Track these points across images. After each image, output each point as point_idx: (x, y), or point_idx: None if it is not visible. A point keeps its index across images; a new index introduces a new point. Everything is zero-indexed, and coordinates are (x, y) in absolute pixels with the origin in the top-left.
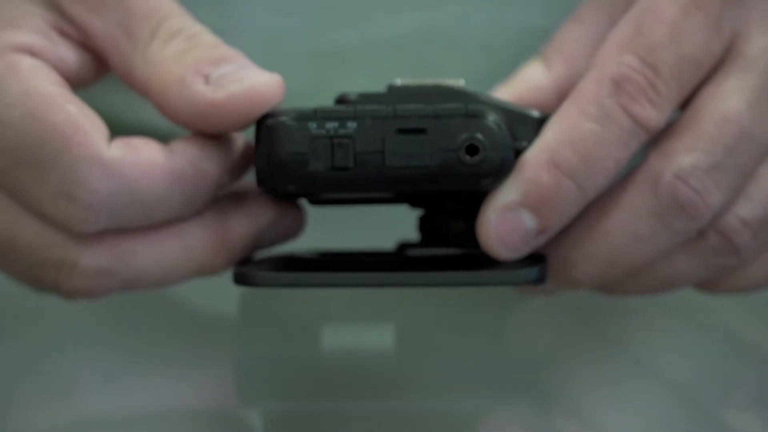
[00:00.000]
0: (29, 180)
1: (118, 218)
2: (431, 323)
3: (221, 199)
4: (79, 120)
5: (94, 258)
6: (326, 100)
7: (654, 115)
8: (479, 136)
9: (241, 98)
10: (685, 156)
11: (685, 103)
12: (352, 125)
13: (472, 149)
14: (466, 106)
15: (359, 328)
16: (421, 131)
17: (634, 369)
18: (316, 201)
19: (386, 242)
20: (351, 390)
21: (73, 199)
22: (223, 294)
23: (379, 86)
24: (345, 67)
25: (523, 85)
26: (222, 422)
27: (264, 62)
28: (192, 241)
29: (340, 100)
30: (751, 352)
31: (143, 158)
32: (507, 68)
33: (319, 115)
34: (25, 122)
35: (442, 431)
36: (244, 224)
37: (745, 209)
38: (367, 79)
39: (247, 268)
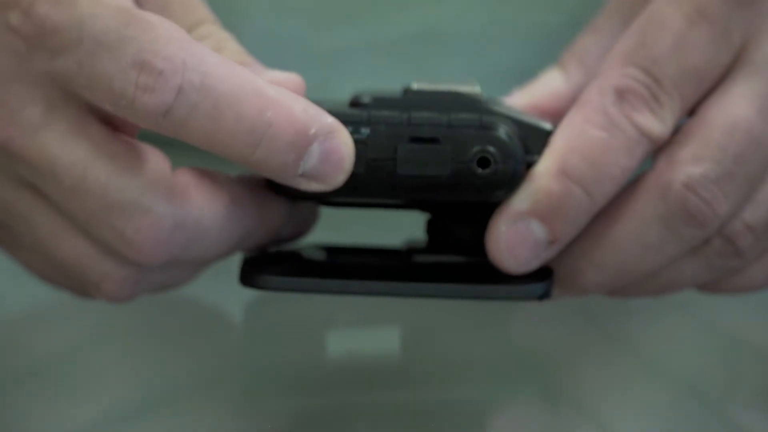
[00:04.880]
0: (104, 60)
1: None
2: (437, 319)
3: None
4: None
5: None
6: None
7: (657, 126)
8: (491, 148)
9: None
10: (694, 165)
11: (694, 109)
12: (365, 131)
13: (483, 162)
14: (479, 118)
15: (365, 323)
16: (434, 140)
17: (638, 365)
18: (326, 203)
19: (393, 232)
20: (357, 385)
21: (146, 66)
22: (229, 294)
23: (380, 86)
24: (347, 66)
25: (540, 91)
26: (228, 420)
27: (265, 62)
28: (242, 210)
29: (354, 102)
30: (753, 350)
31: None
32: (508, 67)
33: None
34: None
35: (448, 425)
36: (278, 200)
37: (750, 214)
38: (369, 78)
39: (253, 270)
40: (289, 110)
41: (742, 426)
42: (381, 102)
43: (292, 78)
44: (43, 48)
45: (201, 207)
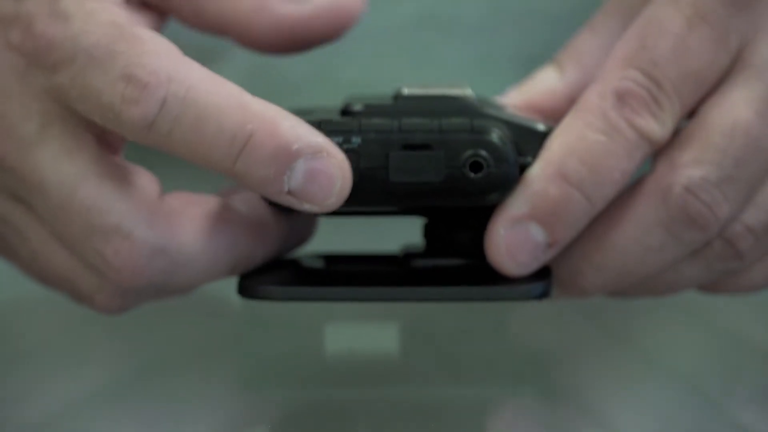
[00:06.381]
0: (94, 74)
1: None
2: (437, 316)
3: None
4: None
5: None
6: (328, 87)
7: (657, 129)
8: (483, 152)
9: (328, 11)
10: (694, 168)
11: (693, 112)
12: (356, 140)
13: (476, 166)
14: (471, 122)
15: (365, 318)
16: (425, 147)
17: (638, 364)
18: (320, 213)
19: (390, 233)
20: (356, 380)
21: (133, 78)
22: (227, 284)
23: (380, 70)
24: (347, 52)
25: (535, 89)
26: (224, 411)
27: None
28: (236, 235)
29: (345, 110)
30: (754, 349)
31: None
32: (507, 52)
33: (323, 128)
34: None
35: (446, 423)
36: (278, 219)
37: (751, 216)
38: (369, 65)
39: (252, 281)
40: (272, 124)
41: (741, 424)
42: (372, 110)
43: None
44: (41, 65)
45: (186, 234)
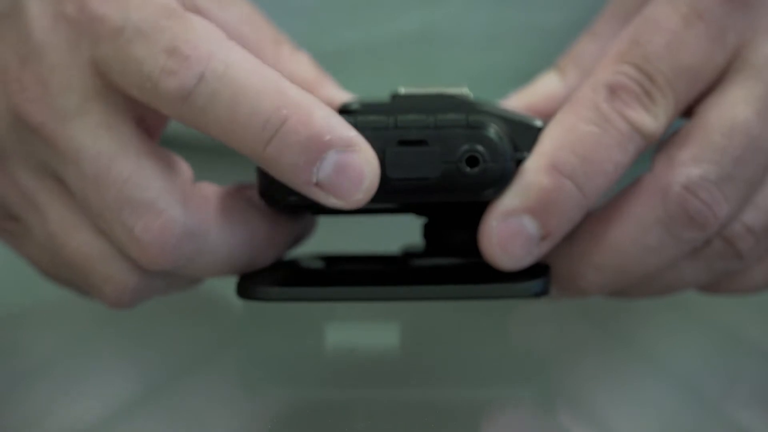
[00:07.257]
0: (138, 45)
1: None
2: (437, 316)
3: None
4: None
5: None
6: None
7: (650, 122)
8: (479, 147)
9: None
10: (693, 167)
11: (691, 111)
12: None
13: (472, 161)
14: (466, 117)
15: (366, 318)
16: (421, 143)
17: (638, 364)
18: (318, 212)
19: (390, 234)
20: (356, 379)
21: (175, 51)
22: (228, 283)
23: (380, 85)
24: (347, 65)
25: (537, 93)
26: (225, 410)
27: None
28: (255, 230)
29: (343, 109)
30: (753, 350)
31: None
32: (508, 66)
33: None
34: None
35: (446, 423)
36: (290, 220)
37: (750, 216)
38: (369, 77)
39: (251, 282)
40: (307, 112)
41: (741, 425)
42: (368, 108)
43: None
44: (89, 35)
45: (214, 222)
